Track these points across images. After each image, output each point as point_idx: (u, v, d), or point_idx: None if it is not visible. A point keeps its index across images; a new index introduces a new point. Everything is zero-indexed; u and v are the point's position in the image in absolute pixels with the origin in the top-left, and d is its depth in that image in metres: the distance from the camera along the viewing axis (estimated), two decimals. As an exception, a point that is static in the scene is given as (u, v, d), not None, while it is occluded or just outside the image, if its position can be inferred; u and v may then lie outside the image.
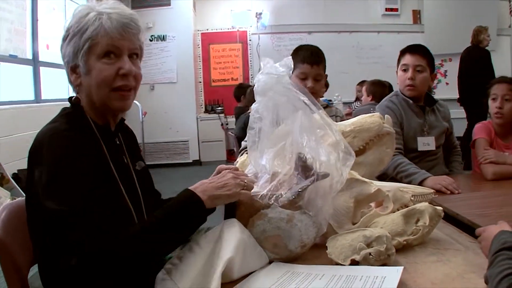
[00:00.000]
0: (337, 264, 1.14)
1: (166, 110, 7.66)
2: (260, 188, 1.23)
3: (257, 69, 8.30)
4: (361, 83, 6.50)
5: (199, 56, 8.26)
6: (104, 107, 1.25)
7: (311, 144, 1.22)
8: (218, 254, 1.09)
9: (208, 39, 8.29)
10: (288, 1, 8.44)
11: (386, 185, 1.44)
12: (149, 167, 1.51)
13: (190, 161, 7.87)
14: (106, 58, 1.20)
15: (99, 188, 1.09)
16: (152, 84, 7.70)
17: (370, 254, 1.11)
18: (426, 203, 1.32)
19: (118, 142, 1.34)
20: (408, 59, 2.47)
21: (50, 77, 4.99)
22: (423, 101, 2.54)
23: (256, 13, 8.20)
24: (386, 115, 1.65)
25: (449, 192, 1.96)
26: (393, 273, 1.02)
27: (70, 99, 1.30)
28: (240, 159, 1.75)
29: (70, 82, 1.27)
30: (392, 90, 5.98)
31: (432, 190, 1.60)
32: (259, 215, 1.18)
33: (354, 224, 1.31)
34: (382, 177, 2.00)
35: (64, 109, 1.27)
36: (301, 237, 1.17)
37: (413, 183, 2.03)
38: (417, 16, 8.66)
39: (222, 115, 8.03)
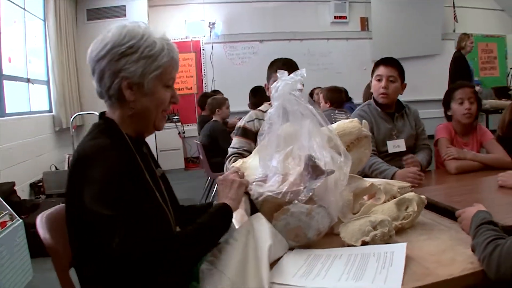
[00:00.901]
0: (349, 245, 1.36)
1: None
2: (277, 187, 1.43)
3: (210, 78, 8.49)
4: (314, 90, 6.78)
5: (155, 66, 8.31)
6: (151, 125, 1.39)
7: (317, 147, 1.44)
8: (255, 244, 1.29)
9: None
10: (240, 10, 8.68)
11: (376, 181, 1.69)
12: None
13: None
14: (167, 85, 1.37)
15: (144, 196, 1.25)
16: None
17: (376, 235, 1.34)
18: (413, 193, 1.58)
19: (145, 151, 1.46)
20: (382, 70, 2.74)
21: (13, 91, 4.98)
22: (394, 108, 2.81)
23: (209, 23, 8.39)
24: (363, 121, 1.88)
25: (416, 184, 2.23)
26: (399, 248, 1.26)
27: (102, 114, 1.39)
28: (236, 164, 1.95)
29: (114, 95, 1.32)
30: (348, 96, 6.34)
31: (409, 184, 1.89)
32: (282, 211, 1.38)
33: (354, 214, 1.55)
34: (359, 175, 2.25)
35: (98, 125, 1.34)
36: (318, 227, 1.38)
37: (386, 178, 2.30)
38: (365, 23, 9.12)
39: (179, 123, 8.16)
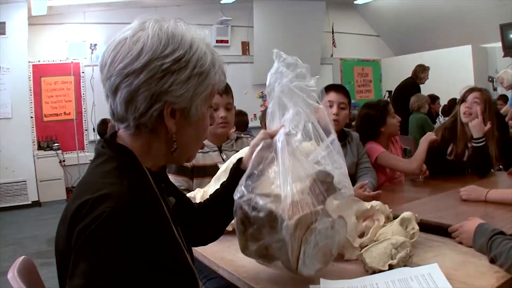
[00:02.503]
0: (373, 272, 1.39)
1: (1, 148, 6.99)
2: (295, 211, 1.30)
3: (90, 103, 8.03)
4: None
5: (31, 90, 7.71)
6: (185, 158, 1.14)
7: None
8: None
9: (40, 72, 7.77)
10: (122, 32, 8.38)
11: (372, 203, 1.72)
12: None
13: (29, 202, 7.24)
14: (210, 106, 1.10)
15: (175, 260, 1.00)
16: (-15, 120, 6.95)
17: (402, 257, 1.40)
18: (409, 212, 1.64)
19: (163, 185, 1.15)
20: (333, 96, 2.74)
21: None
22: (337, 136, 2.80)
23: (91, 44, 8.00)
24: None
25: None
26: (433, 269, 1.32)
27: (112, 137, 1.06)
28: (193, 195, 1.89)
29: (147, 124, 0.99)
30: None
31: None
32: (310, 232, 1.28)
33: (359, 237, 1.59)
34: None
35: (112, 157, 1.00)
36: (339, 240, 1.36)
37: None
38: (246, 47, 9.37)
39: (59, 151, 7.62)
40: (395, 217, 1.67)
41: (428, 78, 7.03)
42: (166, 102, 0.97)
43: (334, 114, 2.70)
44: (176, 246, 1.03)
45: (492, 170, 2.93)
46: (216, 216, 1.40)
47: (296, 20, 9.20)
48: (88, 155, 7.85)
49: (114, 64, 0.96)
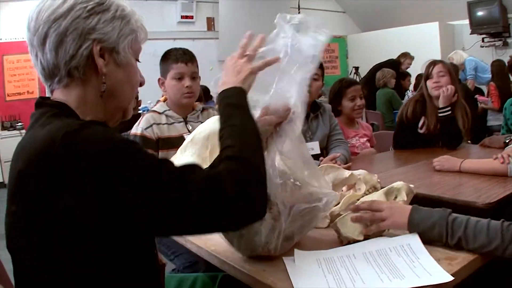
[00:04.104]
0: (349, 242, 1.32)
1: (-38, 130, 6.64)
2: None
3: (53, 81, 7.73)
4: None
5: (-7, 69, 7.36)
6: (121, 109, 1.12)
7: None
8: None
9: (2, 50, 7.40)
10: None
11: (355, 171, 1.64)
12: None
13: None
14: (137, 59, 1.12)
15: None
16: None
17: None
18: (401, 182, 1.50)
19: None
20: None
21: None
22: (309, 108, 2.69)
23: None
24: None
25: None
26: (412, 239, 1.24)
27: (44, 99, 1.03)
28: None
29: (79, 67, 1.00)
30: (209, 94, 6.29)
31: None
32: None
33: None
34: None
35: (44, 112, 0.98)
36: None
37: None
38: (211, 23, 9.15)
39: (23, 131, 7.34)
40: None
41: (409, 67, 7.31)
42: (95, 40, 0.99)
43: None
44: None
45: (462, 142, 2.87)
46: None
47: (262, -4, 9.06)
48: (52, 133, 7.57)
49: (41, 14, 0.98)
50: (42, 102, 1.02)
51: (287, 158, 1.24)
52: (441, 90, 2.75)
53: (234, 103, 1.10)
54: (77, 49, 0.98)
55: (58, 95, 1.03)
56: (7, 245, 0.97)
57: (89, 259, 0.89)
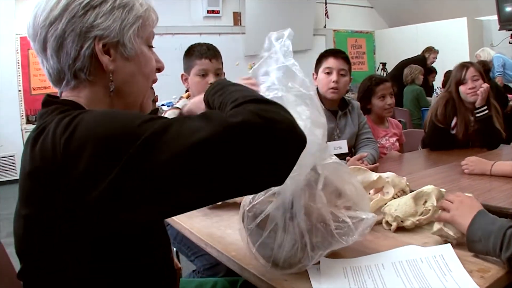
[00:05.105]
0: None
1: (-13, 123, 6.80)
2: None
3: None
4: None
5: (18, 63, 7.51)
6: (137, 103, 1.05)
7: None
8: None
9: (27, 44, 7.50)
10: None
11: (383, 174, 1.61)
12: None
13: (18, 177, 7.10)
14: (150, 45, 1.05)
15: None
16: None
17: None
18: (431, 186, 1.46)
19: None
20: (332, 62, 2.54)
21: None
22: (337, 105, 2.66)
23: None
24: None
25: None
26: (446, 250, 1.21)
27: (51, 98, 0.96)
28: None
29: (84, 69, 0.94)
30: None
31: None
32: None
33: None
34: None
35: (55, 109, 0.91)
36: None
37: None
38: (237, 18, 9.12)
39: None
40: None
41: (434, 61, 7.19)
42: (96, 37, 0.93)
43: (333, 81, 2.52)
44: None
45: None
46: None
47: (289, -10, 8.99)
48: (77, 127, 7.67)
49: (36, 20, 0.94)
50: (51, 101, 0.95)
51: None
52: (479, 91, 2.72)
53: (220, 87, 1.04)
54: (79, 50, 0.93)
55: (68, 95, 0.98)
56: (16, 249, 0.91)
57: (104, 263, 0.85)
